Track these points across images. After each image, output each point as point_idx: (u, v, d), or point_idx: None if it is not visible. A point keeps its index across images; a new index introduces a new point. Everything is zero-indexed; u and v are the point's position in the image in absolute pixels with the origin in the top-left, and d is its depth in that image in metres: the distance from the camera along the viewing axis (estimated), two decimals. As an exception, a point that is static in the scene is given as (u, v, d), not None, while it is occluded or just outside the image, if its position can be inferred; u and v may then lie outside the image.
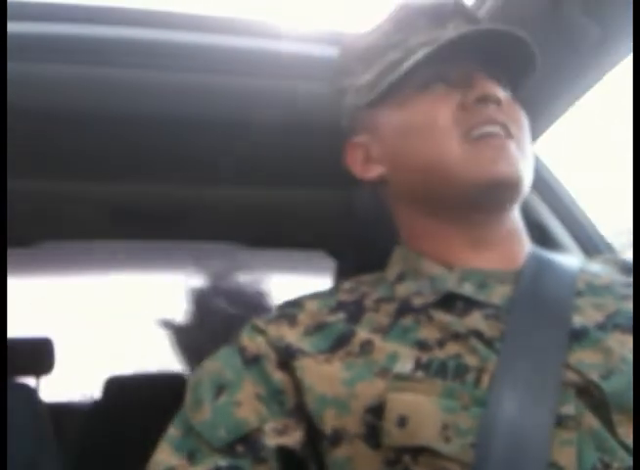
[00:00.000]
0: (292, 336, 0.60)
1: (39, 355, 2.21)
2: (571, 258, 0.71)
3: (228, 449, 0.53)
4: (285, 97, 0.94)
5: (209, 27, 0.91)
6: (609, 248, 1.06)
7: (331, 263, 1.58)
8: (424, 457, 0.50)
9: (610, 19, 0.76)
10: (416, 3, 0.70)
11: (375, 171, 0.70)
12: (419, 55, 0.63)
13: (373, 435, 0.52)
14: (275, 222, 1.46)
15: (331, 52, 0.91)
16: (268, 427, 0.55)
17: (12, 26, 0.74)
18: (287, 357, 0.59)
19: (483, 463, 0.48)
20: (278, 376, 0.58)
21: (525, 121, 0.67)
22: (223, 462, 0.52)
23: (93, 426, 1.93)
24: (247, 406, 0.56)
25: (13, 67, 0.73)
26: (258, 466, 0.53)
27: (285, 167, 1.14)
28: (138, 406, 1.90)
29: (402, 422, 0.51)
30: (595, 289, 0.63)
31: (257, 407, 0.56)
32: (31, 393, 1.22)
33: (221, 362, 0.61)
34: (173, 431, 0.57)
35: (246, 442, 0.54)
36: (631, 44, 0.77)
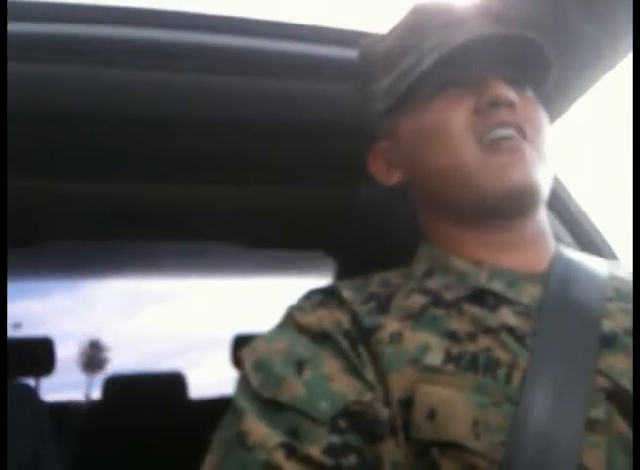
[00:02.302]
0: (345, 322, 0.58)
1: (39, 355, 2.21)
2: (599, 261, 0.69)
3: (333, 424, 0.50)
4: (285, 97, 0.94)
5: (210, 27, 0.91)
6: (613, 255, 1.05)
7: (331, 263, 1.58)
8: (452, 452, 0.49)
9: (609, 19, 0.76)
10: (430, 4, 0.69)
11: (396, 177, 0.70)
12: (430, 59, 0.63)
13: (403, 427, 0.51)
14: (275, 222, 1.46)
15: (332, 51, 0.91)
16: (365, 399, 0.52)
17: (12, 26, 0.74)
18: (350, 339, 0.56)
19: (512, 462, 0.47)
20: (351, 354, 0.56)
21: (543, 120, 0.65)
22: (332, 438, 0.49)
23: (93, 426, 1.93)
24: (338, 380, 0.53)
25: (13, 67, 0.73)
26: (368, 439, 0.50)
27: (285, 167, 1.15)
28: (138, 406, 1.90)
29: (431, 415, 0.50)
30: (623, 295, 0.62)
31: (349, 380, 0.53)
32: (31, 393, 1.22)
33: (287, 341, 0.58)
34: (248, 405, 0.52)
35: (349, 415, 0.51)
36: (630, 44, 0.77)
